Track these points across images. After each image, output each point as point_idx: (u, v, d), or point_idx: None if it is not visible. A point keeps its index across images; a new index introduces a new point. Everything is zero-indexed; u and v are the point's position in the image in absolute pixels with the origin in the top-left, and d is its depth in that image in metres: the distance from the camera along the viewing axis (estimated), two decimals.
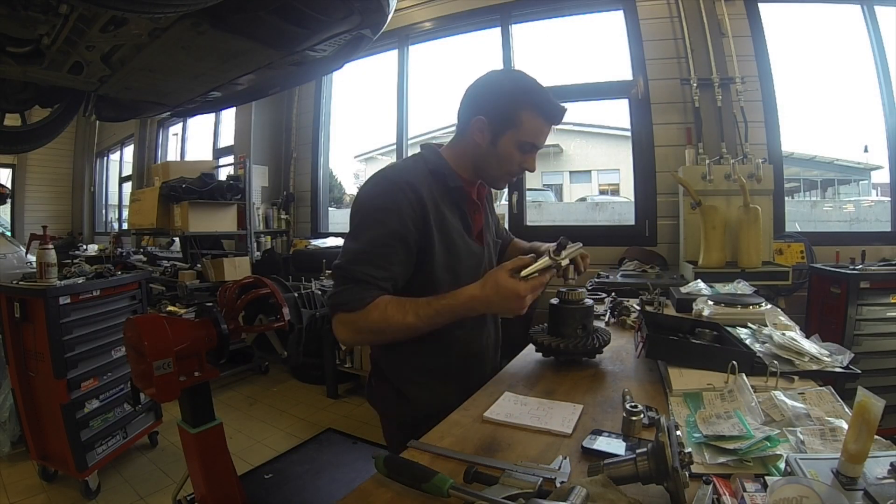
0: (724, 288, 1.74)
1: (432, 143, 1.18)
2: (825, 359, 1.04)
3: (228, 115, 5.19)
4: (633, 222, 3.31)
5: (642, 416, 0.81)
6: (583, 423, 0.87)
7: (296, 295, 1.80)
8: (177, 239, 4.88)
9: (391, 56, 4.28)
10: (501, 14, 3.71)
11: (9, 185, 6.50)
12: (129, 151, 6.96)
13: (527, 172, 1.31)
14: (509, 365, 1.22)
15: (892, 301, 2.33)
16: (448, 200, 1.09)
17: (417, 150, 1.18)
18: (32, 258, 2.67)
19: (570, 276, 1.09)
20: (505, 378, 1.12)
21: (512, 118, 1.03)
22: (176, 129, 6.38)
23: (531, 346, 1.26)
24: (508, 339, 1.35)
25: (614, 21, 3.38)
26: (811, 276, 2.65)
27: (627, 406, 0.82)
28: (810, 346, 1.10)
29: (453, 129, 1.14)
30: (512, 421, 0.88)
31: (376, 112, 5.49)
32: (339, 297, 0.98)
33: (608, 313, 1.65)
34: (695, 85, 2.98)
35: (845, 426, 0.73)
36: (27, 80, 1.92)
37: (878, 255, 2.67)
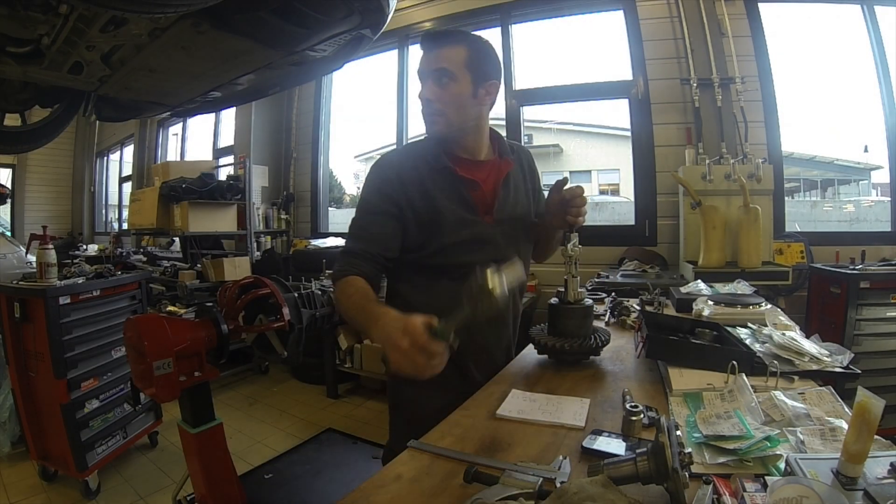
0: (724, 288, 1.74)
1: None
2: (825, 359, 1.04)
3: (228, 115, 5.19)
4: (633, 222, 3.31)
5: (642, 416, 0.81)
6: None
7: (296, 295, 1.80)
8: (177, 239, 4.87)
9: (391, 56, 4.28)
10: (501, 14, 3.71)
11: (9, 185, 6.49)
12: (129, 151, 6.95)
13: None
14: (510, 365, 1.22)
15: (892, 301, 2.33)
16: (437, 178, 1.13)
17: None
18: (32, 258, 2.66)
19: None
20: (505, 378, 1.12)
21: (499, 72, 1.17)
22: (176, 129, 6.37)
23: (531, 346, 1.26)
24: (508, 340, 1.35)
25: (614, 21, 3.38)
26: (811, 276, 2.65)
27: (627, 406, 0.83)
28: (810, 346, 1.10)
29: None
30: (524, 417, 0.89)
31: (376, 112, 5.49)
32: (335, 266, 1.10)
33: (608, 313, 1.65)
34: (695, 85, 2.98)
35: (845, 426, 0.73)
36: (27, 80, 1.92)
37: (878, 255, 2.67)
